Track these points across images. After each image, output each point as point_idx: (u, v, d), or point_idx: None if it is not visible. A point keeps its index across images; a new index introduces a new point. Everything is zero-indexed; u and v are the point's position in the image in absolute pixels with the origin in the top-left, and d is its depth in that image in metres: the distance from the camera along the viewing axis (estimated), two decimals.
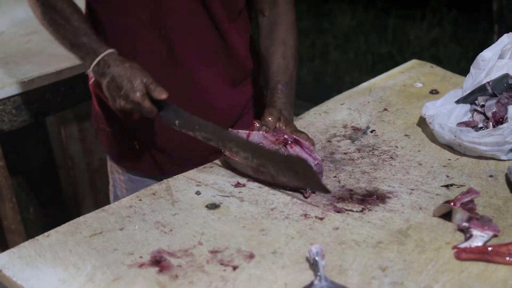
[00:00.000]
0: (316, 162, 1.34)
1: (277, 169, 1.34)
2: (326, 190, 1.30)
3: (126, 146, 1.72)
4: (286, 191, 1.36)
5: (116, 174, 1.79)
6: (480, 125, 1.50)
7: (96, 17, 1.59)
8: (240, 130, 1.42)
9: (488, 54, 1.59)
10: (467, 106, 1.56)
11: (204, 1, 1.55)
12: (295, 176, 1.32)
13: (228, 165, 1.45)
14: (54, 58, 2.25)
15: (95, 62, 1.45)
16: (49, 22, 1.53)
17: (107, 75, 1.43)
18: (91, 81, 1.68)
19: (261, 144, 1.38)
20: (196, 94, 1.61)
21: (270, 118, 1.44)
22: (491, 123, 1.48)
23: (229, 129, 1.45)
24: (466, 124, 1.51)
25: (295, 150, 1.35)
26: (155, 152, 1.68)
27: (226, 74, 1.65)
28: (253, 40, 1.73)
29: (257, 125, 1.45)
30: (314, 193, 1.34)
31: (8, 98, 2.09)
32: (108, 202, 1.36)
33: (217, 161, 1.48)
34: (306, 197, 1.33)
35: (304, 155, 1.35)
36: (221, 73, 1.64)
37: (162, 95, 1.41)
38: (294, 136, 1.39)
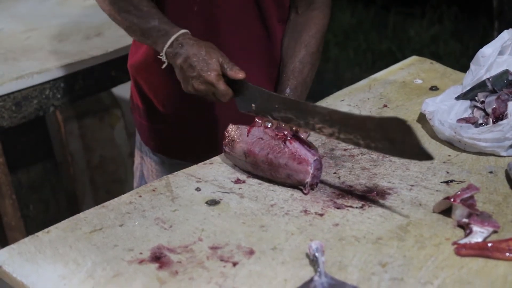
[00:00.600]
0: (315, 157, 1.34)
1: (369, 142, 1.24)
2: (429, 157, 1.19)
3: (159, 128, 1.71)
4: (286, 188, 1.36)
5: (144, 155, 1.78)
6: (480, 121, 1.50)
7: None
8: (240, 126, 1.42)
9: (488, 51, 1.59)
10: (467, 103, 1.56)
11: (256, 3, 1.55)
12: (390, 146, 1.22)
13: (228, 162, 1.45)
14: (54, 54, 2.25)
15: (168, 43, 1.39)
16: (118, 10, 1.49)
17: (181, 55, 1.38)
18: (130, 63, 1.68)
19: (261, 139, 1.38)
20: None
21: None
22: (491, 119, 1.48)
23: (230, 124, 1.44)
24: (466, 120, 1.51)
25: (294, 146, 1.35)
26: (189, 136, 1.68)
27: (266, 72, 1.64)
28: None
29: (258, 121, 1.45)
30: (312, 189, 1.34)
31: (8, 94, 2.09)
32: (108, 199, 1.36)
33: (217, 158, 1.48)
34: (305, 194, 1.33)
35: (303, 150, 1.34)
36: (262, 70, 1.63)
37: (239, 74, 1.36)
38: (293, 132, 1.39)
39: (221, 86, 1.36)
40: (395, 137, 1.21)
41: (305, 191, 1.33)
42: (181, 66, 1.38)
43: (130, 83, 1.82)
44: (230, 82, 1.38)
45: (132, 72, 1.72)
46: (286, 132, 1.37)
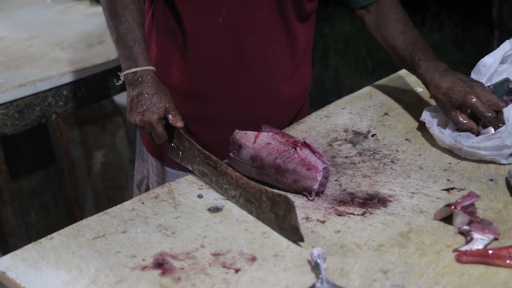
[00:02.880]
0: (325, 166, 1.35)
1: (259, 212, 1.29)
2: (300, 239, 1.21)
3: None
4: (289, 194, 1.36)
5: (149, 166, 1.80)
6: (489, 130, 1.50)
7: (167, 5, 1.60)
8: (248, 132, 1.43)
9: (489, 60, 1.59)
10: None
11: (281, 10, 1.58)
12: (274, 218, 1.26)
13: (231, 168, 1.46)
14: (56, 62, 2.27)
15: (132, 70, 1.47)
16: (110, 7, 1.53)
17: (136, 88, 1.46)
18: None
19: (269, 144, 1.39)
20: (256, 85, 1.62)
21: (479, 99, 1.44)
22: (492, 128, 1.48)
23: (236, 130, 1.46)
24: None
25: (305, 152, 1.36)
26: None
27: (285, 71, 1.67)
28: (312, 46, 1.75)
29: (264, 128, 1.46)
30: (318, 196, 1.35)
31: (11, 102, 2.10)
32: (109, 206, 1.36)
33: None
34: (310, 200, 1.34)
35: (313, 158, 1.35)
36: (280, 71, 1.65)
37: (178, 123, 1.44)
38: (303, 140, 1.40)
39: (159, 129, 1.44)
40: (279, 212, 1.25)
41: (311, 198, 1.34)
42: (133, 98, 1.46)
43: None
44: (168, 128, 1.46)
45: None
46: (297, 139, 1.39)
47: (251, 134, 1.42)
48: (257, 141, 1.41)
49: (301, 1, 1.60)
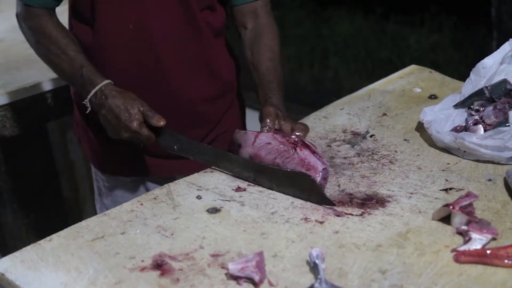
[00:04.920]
0: (324, 166, 1.35)
1: (281, 188, 1.36)
2: (331, 203, 1.31)
3: (108, 151, 1.74)
4: (286, 195, 1.37)
5: (100, 182, 1.82)
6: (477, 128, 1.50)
7: (82, 23, 1.61)
8: (248, 131, 1.44)
9: (489, 62, 1.60)
10: (464, 112, 1.57)
11: (189, 14, 1.59)
12: (299, 191, 1.34)
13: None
14: None
15: (92, 93, 1.48)
16: (45, 51, 1.56)
17: (104, 106, 1.47)
18: (73, 90, 1.71)
19: (269, 144, 1.40)
20: (175, 101, 1.64)
21: (269, 120, 1.46)
22: (481, 128, 1.49)
23: (236, 129, 1.46)
24: (456, 130, 1.52)
25: (304, 152, 1.36)
26: (140, 153, 1.71)
27: (206, 85, 1.68)
28: (235, 57, 1.76)
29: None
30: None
31: (10, 103, 2.10)
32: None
33: None
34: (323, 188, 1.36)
35: (313, 158, 1.36)
36: (201, 84, 1.67)
37: (160, 122, 1.45)
38: (304, 140, 1.41)
39: (144, 132, 1.45)
40: (303, 186, 1.34)
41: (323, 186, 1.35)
42: (106, 116, 1.47)
43: None
44: (152, 126, 1.46)
45: (75, 99, 1.74)
46: (297, 139, 1.39)
47: (250, 133, 1.43)
48: (256, 141, 1.41)
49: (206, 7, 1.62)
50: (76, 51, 1.53)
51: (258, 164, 1.39)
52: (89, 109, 1.51)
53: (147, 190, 1.73)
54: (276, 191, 1.37)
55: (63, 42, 1.53)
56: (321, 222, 1.28)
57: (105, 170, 1.78)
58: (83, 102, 1.52)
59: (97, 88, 1.48)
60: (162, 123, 1.45)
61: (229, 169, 1.43)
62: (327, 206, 1.32)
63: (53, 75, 2.18)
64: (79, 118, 1.76)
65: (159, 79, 1.60)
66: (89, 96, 1.49)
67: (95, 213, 1.36)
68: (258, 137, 1.42)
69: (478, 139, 1.43)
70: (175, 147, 1.48)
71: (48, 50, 1.55)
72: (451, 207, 1.23)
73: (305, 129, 1.53)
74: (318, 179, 1.34)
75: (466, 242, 1.19)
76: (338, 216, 1.30)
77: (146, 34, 1.57)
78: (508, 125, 1.44)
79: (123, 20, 1.56)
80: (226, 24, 1.72)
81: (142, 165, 1.72)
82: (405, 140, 1.58)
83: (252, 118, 1.95)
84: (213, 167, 1.46)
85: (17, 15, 1.62)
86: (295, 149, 1.37)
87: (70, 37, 1.56)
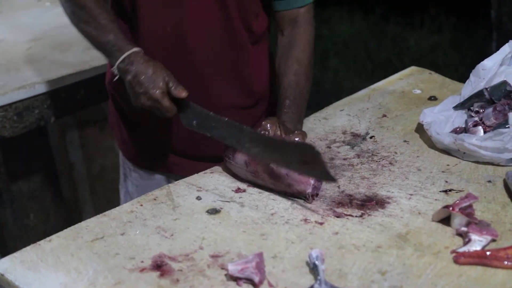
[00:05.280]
0: None
1: (287, 162, 1.34)
2: (332, 179, 1.32)
3: (138, 143, 1.74)
4: (286, 196, 1.37)
5: (128, 171, 1.81)
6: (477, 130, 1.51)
7: (121, 19, 1.61)
8: None
9: (489, 64, 1.60)
10: (464, 113, 1.57)
11: (228, 21, 1.58)
12: (303, 166, 1.32)
13: (229, 171, 1.46)
14: (55, 64, 2.27)
15: (120, 59, 1.47)
16: (78, 20, 1.55)
17: (130, 72, 1.45)
18: (108, 80, 1.71)
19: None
20: (205, 105, 1.61)
21: (268, 125, 1.46)
22: (481, 129, 1.49)
23: None
24: (459, 130, 1.52)
25: None
26: (166, 150, 1.71)
27: (239, 91, 1.67)
28: (273, 63, 1.73)
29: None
30: (314, 198, 1.35)
31: (10, 104, 2.10)
32: (108, 208, 1.37)
33: (217, 167, 1.49)
34: (309, 203, 1.34)
35: None
36: (234, 90, 1.66)
37: (182, 93, 1.43)
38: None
39: (166, 103, 1.43)
40: (307, 159, 1.32)
41: (309, 201, 1.34)
42: (130, 82, 1.45)
43: None
44: (176, 100, 1.44)
45: (110, 90, 1.75)
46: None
47: None
48: None
49: (247, 13, 1.60)
50: (108, 19, 1.52)
51: (266, 137, 1.39)
52: (116, 77, 1.50)
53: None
54: (282, 165, 1.36)
55: (96, 12, 1.52)
56: (321, 223, 1.28)
57: (133, 161, 1.79)
58: (111, 70, 1.50)
59: (125, 54, 1.47)
60: (184, 94, 1.43)
61: (241, 144, 1.40)
62: (325, 206, 1.32)
63: (53, 75, 2.19)
64: (113, 108, 1.77)
65: (191, 82, 1.58)
66: (117, 63, 1.47)
67: (94, 214, 1.36)
68: None
69: (477, 140, 1.43)
70: (194, 122, 1.45)
71: (81, 19, 1.54)
72: (450, 209, 1.23)
73: (302, 138, 1.50)
74: (312, 181, 1.33)
75: (465, 243, 1.19)
76: (337, 217, 1.30)
77: (182, 37, 1.57)
78: (508, 127, 1.44)
79: (162, 21, 1.56)
80: (269, 30, 1.71)
81: (168, 163, 1.72)
82: (405, 141, 1.58)
83: None
84: (226, 143, 1.43)
85: None
86: None
87: (104, 7, 1.55)
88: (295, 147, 1.36)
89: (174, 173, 1.72)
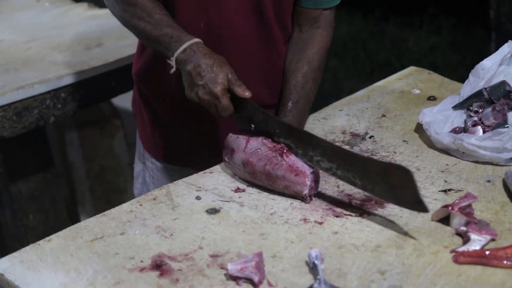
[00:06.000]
0: (312, 170, 1.35)
1: (366, 183, 1.27)
2: (424, 209, 1.22)
3: (160, 136, 1.73)
4: (285, 196, 1.37)
5: (146, 161, 1.80)
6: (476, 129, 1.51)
7: None
8: (240, 136, 1.43)
9: (488, 64, 1.60)
10: (463, 113, 1.57)
11: (263, 21, 1.56)
12: (390, 190, 1.25)
13: (228, 171, 1.46)
14: (55, 65, 2.27)
15: (181, 49, 1.41)
16: (130, 17, 1.50)
17: (191, 62, 1.39)
18: (134, 71, 1.70)
19: (259, 149, 1.39)
20: None
21: None
22: (480, 129, 1.49)
23: (230, 134, 1.45)
24: (458, 130, 1.52)
25: (291, 158, 1.36)
26: (187, 146, 1.70)
27: (270, 92, 1.65)
28: None
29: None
30: (311, 199, 1.35)
31: (9, 104, 2.10)
32: (108, 208, 1.36)
33: (217, 167, 1.49)
34: (306, 203, 1.34)
35: (300, 163, 1.35)
36: (265, 90, 1.64)
37: (245, 93, 1.38)
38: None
39: (225, 101, 1.38)
40: (395, 183, 1.23)
41: (306, 202, 1.34)
42: (190, 73, 1.39)
43: (131, 93, 1.83)
44: (233, 98, 1.39)
45: (136, 80, 1.74)
46: (282, 145, 1.38)
47: (242, 138, 1.42)
48: (248, 146, 1.40)
49: (283, 12, 1.58)
50: (162, 14, 1.48)
51: (345, 152, 1.31)
52: (173, 69, 1.43)
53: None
54: (358, 187, 1.30)
55: (149, 6, 1.48)
56: (320, 223, 1.28)
57: (151, 152, 1.77)
58: (168, 61, 1.44)
59: (187, 44, 1.41)
60: (247, 94, 1.37)
61: (309, 157, 1.34)
62: (325, 205, 1.32)
63: (52, 76, 2.19)
64: (138, 97, 1.75)
65: None
66: (176, 53, 1.40)
67: (93, 215, 1.36)
68: (249, 142, 1.41)
69: (477, 140, 1.43)
70: (252, 126, 1.40)
71: (133, 15, 1.49)
72: (450, 208, 1.24)
73: None
74: (308, 183, 1.33)
75: (465, 243, 1.19)
76: (337, 216, 1.30)
77: (215, 35, 1.54)
78: (507, 127, 1.45)
79: (196, 17, 1.54)
80: None
81: (188, 159, 1.71)
82: (404, 141, 1.58)
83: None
84: (292, 150, 1.37)
85: None
86: (282, 156, 1.37)
87: (156, 2, 1.51)
88: (381, 169, 1.25)
89: (192, 168, 1.71)
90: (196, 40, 1.43)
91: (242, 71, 1.57)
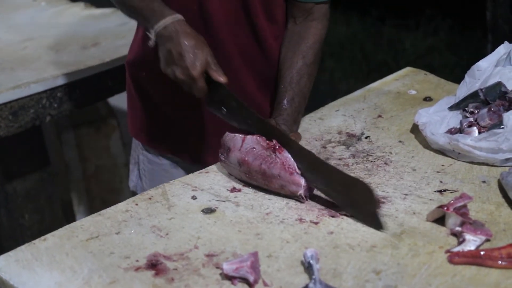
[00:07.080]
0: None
1: (330, 191, 1.30)
2: (380, 226, 1.25)
3: (151, 122, 1.73)
4: (281, 196, 1.37)
5: (138, 155, 1.80)
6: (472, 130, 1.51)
7: None
8: (236, 134, 1.43)
9: (484, 65, 1.60)
10: (459, 113, 1.58)
11: (247, 8, 1.56)
12: (351, 205, 1.28)
13: (224, 170, 1.46)
14: (51, 64, 2.27)
15: (162, 24, 1.41)
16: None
17: (173, 40, 1.40)
18: (128, 60, 1.70)
19: (254, 148, 1.39)
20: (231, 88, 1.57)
21: None
22: (476, 130, 1.49)
23: (226, 132, 1.45)
24: (454, 131, 1.53)
25: (284, 155, 1.35)
26: (180, 134, 1.70)
27: (261, 84, 1.65)
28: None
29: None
30: (307, 199, 1.35)
31: (5, 103, 2.09)
32: (103, 208, 1.36)
33: (213, 166, 1.49)
34: (302, 202, 1.34)
35: (291, 161, 1.35)
36: (258, 73, 1.64)
37: (221, 77, 1.39)
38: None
39: (201, 83, 1.39)
40: (357, 198, 1.27)
41: (302, 202, 1.34)
42: (170, 51, 1.40)
43: (126, 93, 1.83)
44: (209, 80, 1.41)
45: (128, 69, 1.73)
46: (274, 141, 1.38)
47: (239, 137, 1.41)
48: (243, 145, 1.40)
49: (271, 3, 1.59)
50: None
51: (315, 158, 1.34)
52: (151, 41, 1.44)
53: (185, 171, 1.71)
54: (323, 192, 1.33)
55: None
56: (316, 223, 1.28)
57: (142, 140, 1.76)
58: (146, 33, 1.45)
59: (169, 20, 1.41)
60: (222, 79, 1.39)
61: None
62: (320, 205, 1.32)
63: (48, 75, 2.19)
64: (132, 88, 1.74)
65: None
66: (158, 28, 1.41)
67: (89, 214, 1.36)
68: (245, 141, 1.41)
69: (472, 141, 1.44)
70: (223, 109, 1.41)
71: None
72: (445, 209, 1.24)
73: (296, 139, 1.49)
74: (303, 183, 1.33)
75: (460, 243, 1.20)
76: (332, 216, 1.30)
77: (205, 18, 1.54)
78: (502, 127, 1.45)
79: (186, 6, 1.53)
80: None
81: (179, 147, 1.71)
82: (400, 141, 1.58)
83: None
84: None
85: None
86: (275, 153, 1.36)
87: None
88: (344, 181, 1.29)
89: (182, 160, 1.70)
90: (179, 16, 1.43)
91: (235, 52, 1.57)
